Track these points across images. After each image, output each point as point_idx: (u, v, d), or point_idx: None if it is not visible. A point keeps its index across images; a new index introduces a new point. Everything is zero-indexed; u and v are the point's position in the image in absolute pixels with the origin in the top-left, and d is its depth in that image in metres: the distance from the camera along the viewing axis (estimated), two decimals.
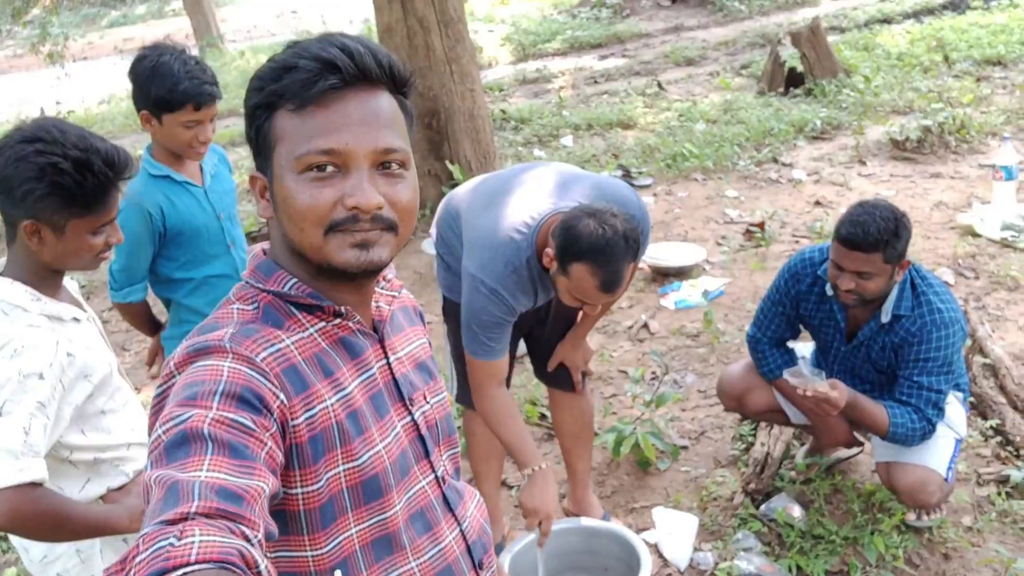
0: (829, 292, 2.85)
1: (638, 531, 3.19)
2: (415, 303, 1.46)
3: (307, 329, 1.21)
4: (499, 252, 2.49)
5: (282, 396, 1.12)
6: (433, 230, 2.90)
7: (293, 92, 1.15)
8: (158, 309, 2.94)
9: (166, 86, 2.45)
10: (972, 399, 3.58)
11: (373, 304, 1.31)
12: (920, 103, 7.58)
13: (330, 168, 1.15)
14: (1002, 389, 3.70)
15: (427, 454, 1.34)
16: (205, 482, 0.96)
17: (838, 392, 2.64)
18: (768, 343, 3.09)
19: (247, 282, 1.25)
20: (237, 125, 10.34)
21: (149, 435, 1.11)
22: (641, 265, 5.12)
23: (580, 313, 2.95)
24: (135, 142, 10.84)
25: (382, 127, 1.19)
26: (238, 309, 1.21)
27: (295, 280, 1.22)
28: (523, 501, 2.55)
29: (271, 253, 1.27)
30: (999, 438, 3.41)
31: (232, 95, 12.75)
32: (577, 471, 3.21)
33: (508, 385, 3.04)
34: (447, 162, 6.12)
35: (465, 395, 2.93)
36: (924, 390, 2.70)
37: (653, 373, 4.06)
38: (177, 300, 2.71)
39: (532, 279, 2.55)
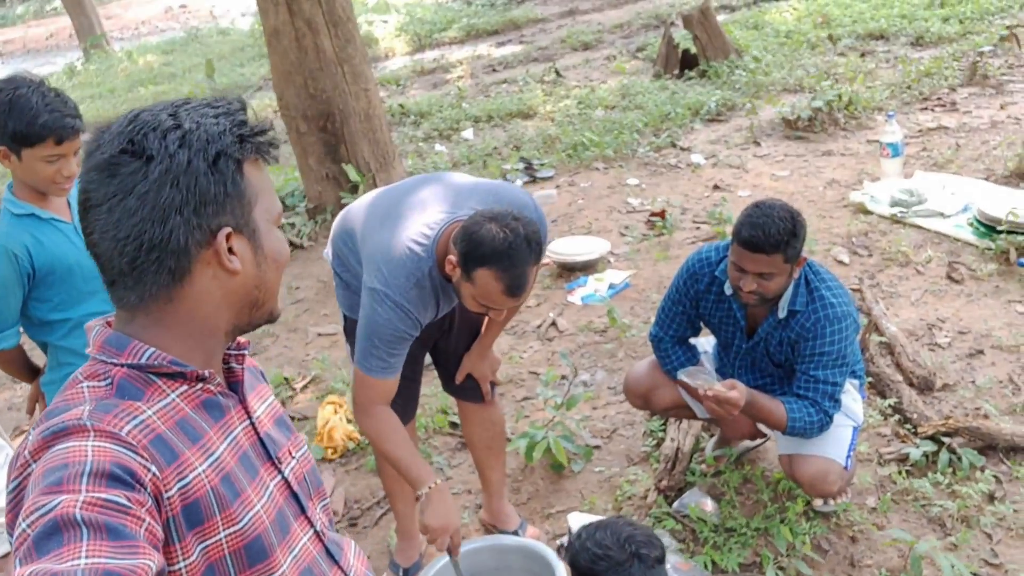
0: (728, 292, 2.89)
1: (555, 536, 3.20)
2: (255, 363, 1.44)
3: (168, 395, 1.18)
4: (399, 265, 2.45)
5: (153, 468, 1.08)
6: (328, 249, 2.84)
7: (266, 147, 1.22)
8: (36, 353, 2.80)
9: (24, 120, 2.33)
10: (870, 379, 3.68)
11: (223, 366, 1.31)
12: (809, 82, 7.75)
13: None
14: (898, 367, 3.81)
15: (303, 510, 1.33)
16: (87, 568, 0.91)
17: (737, 392, 2.67)
18: (670, 341, 3.11)
19: (95, 358, 1.19)
20: None
21: (9, 532, 1.04)
22: (546, 261, 5.13)
23: (485, 322, 2.93)
24: None
25: None
26: (89, 387, 1.15)
27: (152, 349, 1.17)
28: (427, 522, 2.52)
29: (121, 326, 1.20)
30: (897, 416, 3.52)
31: (120, 100, 12.33)
32: (491, 481, 3.19)
33: (417, 398, 3.00)
34: (343, 164, 6.00)
35: None
36: (820, 383, 2.76)
37: (563, 375, 4.07)
38: (54, 343, 2.58)
39: (434, 290, 2.51)
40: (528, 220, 2.37)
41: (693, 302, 3.00)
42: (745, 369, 3.04)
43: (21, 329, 2.60)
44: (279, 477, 1.30)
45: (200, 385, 1.21)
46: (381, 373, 2.53)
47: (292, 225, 6.23)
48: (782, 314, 2.81)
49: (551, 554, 2.59)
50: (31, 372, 2.76)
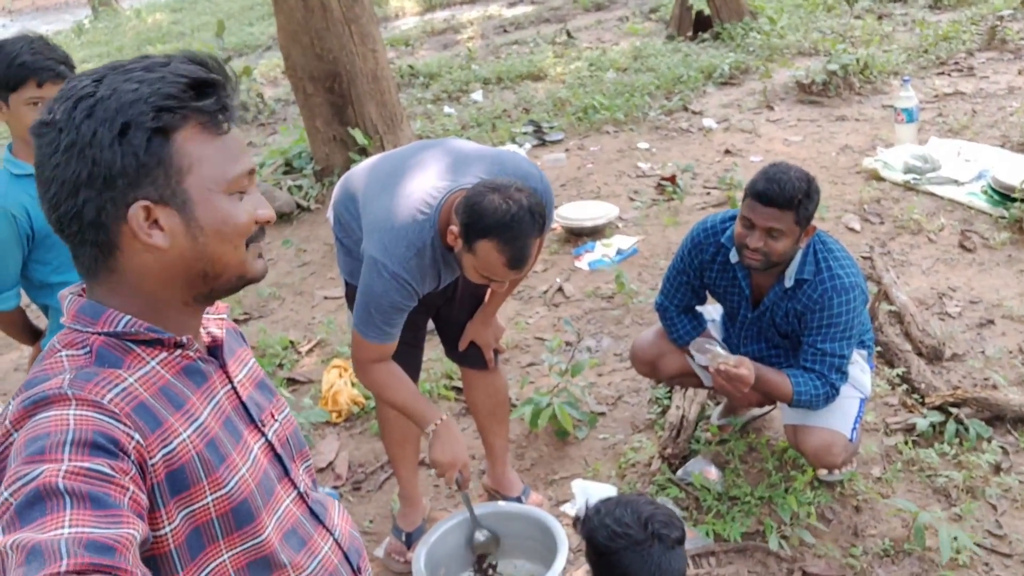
0: (733, 259, 2.85)
1: (558, 503, 3.20)
2: (234, 325, 1.43)
3: (148, 363, 1.16)
4: (401, 234, 2.42)
5: (137, 436, 1.07)
6: (330, 213, 2.81)
7: (213, 111, 1.13)
8: (36, 315, 2.80)
9: (5, 63, 2.35)
10: (879, 348, 3.65)
11: (203, 330, 1.30)
12: (825, 45, 7.63)
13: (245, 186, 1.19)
14: (907, 336, 3.77)
15: (287, 472, 1.33)
16: (71, 538, 0.91)
17: (746, 369, 2.65)
18: (676, 310, 3.08)
19: (71, 328, 1.17)
20: None
21: None
22: (554, 226, 5.09)
23: (489, 290, 2.90)
24: None
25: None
26: (68, 356, 1.13)
27: (128, 317, 1.15)
28: (435, 457, 2.52)
29: (91, 295, 1.19)
30: (905, 386, 3.49)
31: (128, 58, 12.24)
32: (494, 447, 3.19)
33: (419, 364, 2.99)
34: (350, 127, 5.95)
35: None
36: (827, 356, 2.73)
37: (568, 342, 4.04)
38: (55, 306, 2.57)
39: (435, 260, 2.48)
40: (531, 191, 2.34)
41: (698, 272, 2.97)
42: (751, 339, 3.01)
43: (22, 291, 2.59)
44: (262, 440, 1.30)
45: (179, 351, 1.20)
46: (378, 339, 2.52)
47: (299, 187, 6.20)
48: (789, 283, 2.77)
49: (556, 523, 2.58)
50: (32, 335, 2.75)
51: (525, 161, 2.71)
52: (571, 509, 3.14)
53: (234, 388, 1.28)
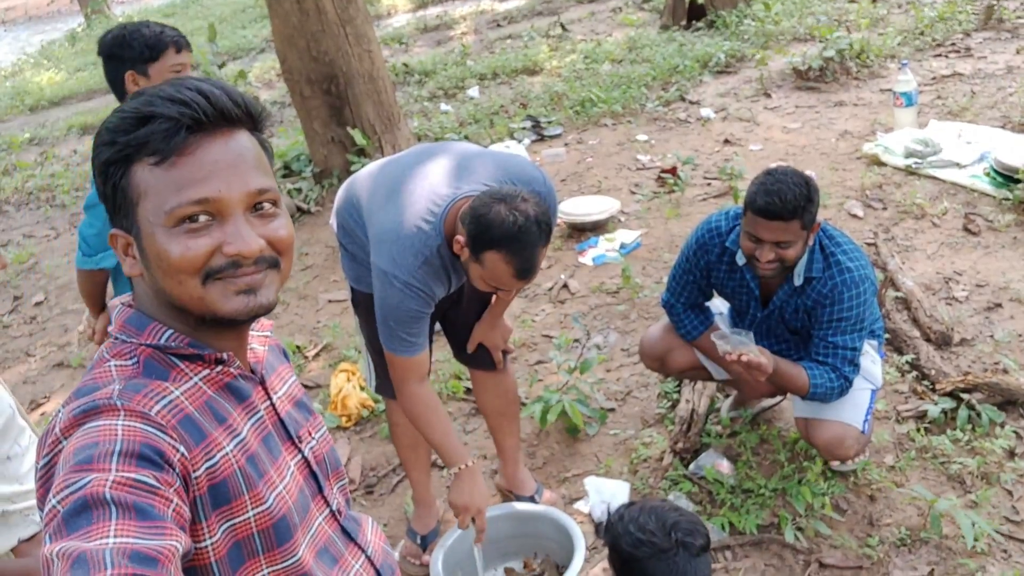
0: (740, 262, 2.83)
1: (571, 501, 3.20)
2: (279, 342, 1.44)
3: (191, 379, 1.18)
4: (407, 245, 2.41)
5: (182, 449, 1.09)
6: (333, 220, 2.79)
7: (155, 145, 1.10)
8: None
9: (150, 37, 2.65)
10: (887, 336, 3.64)
11: (248, 347, 1.30)
12: (820, 30, 7.61)
13: (203, 218, 1.12)
14: (915, 322, 3.77)
15: (320, 490, 1.34)
16: (115, 548, 0.93)
17: (766, 358, 2.63)
18: (683, 307, 3.07)
19: (118, 338, 1.19)
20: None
21: (40, 507, 1.07)
22: (557, 222, 5.07)
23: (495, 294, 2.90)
24: (23, 124, 10.34)
25: (250, 169, 1.17)
26: (116, 366, 1.15)
27: (171, 331, 1.18)
28: (452, 500, 2.52)
29: (139, 305, 1.21)
30: (915, 373, 3.48)
31: None
32: (506, 448, 3.18)
33: (429, 365, 2.98)
34: (348, 128, 5.93)
35: (384, 386, 2.86)
36: (839, 349, 2.72)
37: (576, 338, 4.04)
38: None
39: (444, 267, 2.48)
40: (537, 200, 2.33)
41: (704, 272, 2.96)
42: (761, 336, 2.99)
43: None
44: (299, 456, 1.31)
45: (220, 368, 1.22)
46: (407, 351, 2.51)
47: (299, 190, 6.18)
48: (798, 281, 2.76)
49: (572, 523, 2.58)
50: (101, 305, 2.94)
51: (529, 164, 2.70)
52: (584, 506, 3.14)
53: (273, 405, 1.29)
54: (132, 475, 1.00)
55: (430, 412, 2.58)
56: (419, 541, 3.06)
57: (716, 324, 3.14)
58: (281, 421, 1.30)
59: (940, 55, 6.86)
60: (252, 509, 1.17)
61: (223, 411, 1.19)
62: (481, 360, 3.01)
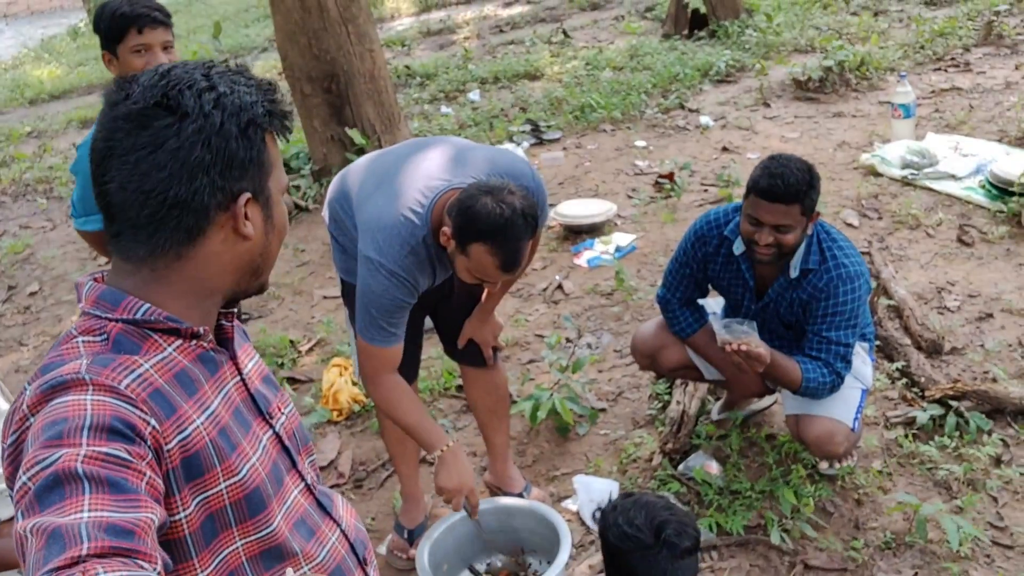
0: (736, 251, 2.85)
1: (560, 499, 3.20)
2: (240, 323, 1.44)
3: (165, 349, 1.18)
4: (394, 233, 2.42)
5: (153, 422, 1.09)
6: (325, 211, 2.80)
7: (281, 121, 1.23)
8: None
9: (107, 18, 2.59)
10: (878, 343, 3.65)
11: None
12: (821, 42, 7.65)
13: None
14: (906, 330, 3.78)
15: (294, 464, 1.35)
16: (90, 522, 0.92)
17: (764, 349, 2.65)
18: (678, 303, 3.09)
19: (89, 313, 1.18)
20: None
21: (8, 485, 1.06)
22: (552, 224, 5.10)
23: (486, 288, 2.91)
24: (22, 117, 10.35)
25: None
26: (84, 342, 1.14)
27: (147, 305, 1.17)
28: (441, 483, 2.52)
29: (112, 280, 1.20)
30: (905, 380, 3.49)
31: None
32: (496, 444, 3.19)
33: (418, 362, 2.99)
34: (348, 127, 5.94)
35: None
36: (833, 344, 2.74)
37: (568, 339, 4.05)
38: None
39: (430, 258, 2.49)
40: (524, 193, 2.35)
41: (701, 264, 2.97)
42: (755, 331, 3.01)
43: None
44: (271, 432, 1.31)
45: (194, 341, 1.22)
46: (383, 342, 2.51)
47: (297, 188, 6.20)
48: (794, 273, 2.78)
49: (559, 518, 2.58)
50: None
51: (518, 159, 2.71)
52: (572, 505, 3.14)
53: (243, 380, 1.30)
54: (104, 449, 1.00)
55: (405, 399, 2.59)
56: (406, 536, 3.06)
57: (711, 323, 3.15)
58: (252, 397, 1.30)
59: (940, 69, 6.90)
60: (224, 481, 1.17)
61: (196, 382, 1.19)
62: (472, 357, 3.02)
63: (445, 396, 3.84)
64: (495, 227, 2.26)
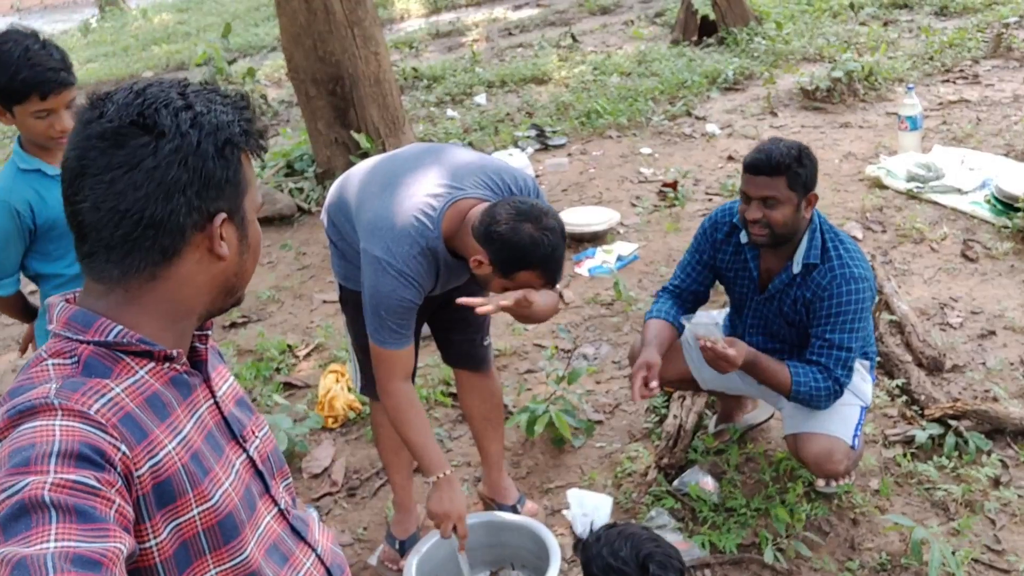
0: (743, 240, 2.87)
1: (553, 512, 3.18)
2: (215, 344, 1.42)
3: (137, 372, 1.16)
4: (403, 234, 2.41)
5: (123, 447, 1.07)
6: (324, 217, 2.79)
7: (260, 145, 1.23)
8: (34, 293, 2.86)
9: (6, 76, 2.28)
10: (879, 359, 3.62)
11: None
12: (830, 51, 7.61)
13: None
14: (908, 346, 3.75)
15: (267, 489, 1.33)
16: (56, 552, 0.91)
17: (735, 350, 2.65)
18: (669, 294, 3.07)
19: (60, 335, 1.16)
20: None
21: None
22: None
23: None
24: None
25: None
26: (55, 365, 1.12)
27: (119, 327, 1.15)
28: (431, 508, 2.51)
29: (83, 302, 1.18)
30: (905, 397, 3.46)
31: (133, 59, 12.29)
32: (490, 454, 3.16)
33: (415, 369, 2.97)
34: (352, 131, 5.93)
35: (370, 387, 2.85)
36: (834, 348, 2.72)
37: (565, 349, 4.02)
38: (48, 292, 2.61)
39: (436, 263, 2.48)
40: (554, 211, 2.39)
41: (712, 252, 2.99)
42: (756, 330, 2.98)
43: (19, 279, 2.63)
44: (244, 456, 1.30)
45: (167, 364, 1.20)
46: (395, 344, 2.50)
47: (300, 190, 6.19)
48: (797, 268, 2.77)
49: (549, 535, 2.56)
50: (29, 314, 2.78)
51: (519, 170, 2.71)
52: (567, 515, 3.11)
53: (216, 403, 1.28)
54: (72, 476, 0.98)
55: (413, 412, 2.57)
56: (398, 546, 3.04)
57: (686, 328, 3.11)
58: (225, 420, 1.28)
59: (948, 81, 6.85)
60: (197, 507, 1.16)
61: (168, 406, 1.17)
62: (468, 360, 3.01)
63: (441, 405, 3.81)
64: (546, 256, 2.32)
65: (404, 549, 3.01)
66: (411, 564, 2.49)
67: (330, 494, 3.41)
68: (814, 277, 2.75)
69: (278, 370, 4.24)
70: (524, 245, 2.28)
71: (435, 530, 2.64)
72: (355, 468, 3.54)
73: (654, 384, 2.73)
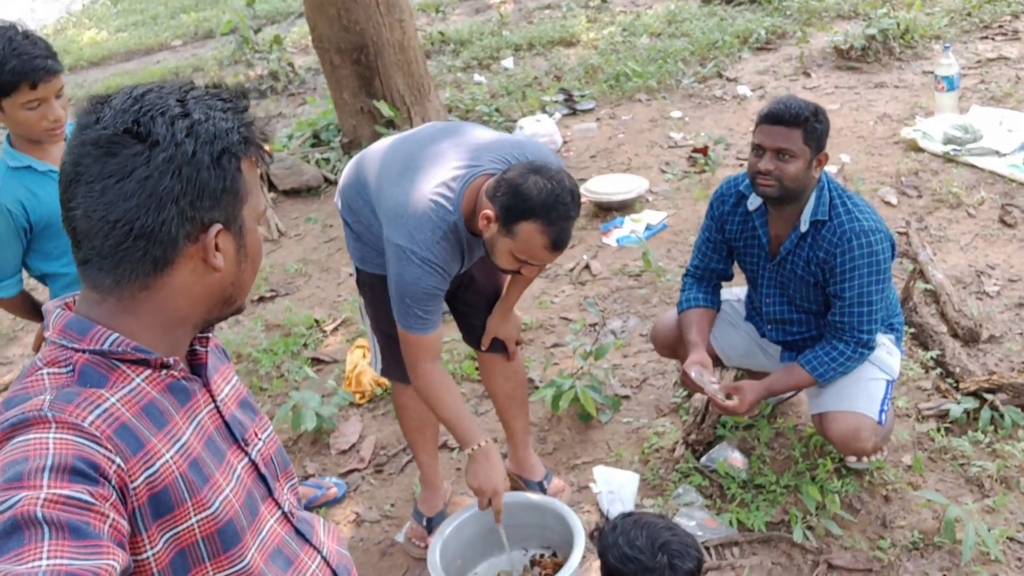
0: (751, 207, 2.84)
1: (580, 489, 3.17)
2: (218, 342, 1.41)
3: (133, 380, 1.15)
4: (425, 220, 2.38)
5: (118, 460, 1.06)
6: (338, 199, 2.76)
7: (263, 151, 1.20)
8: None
9: None
10: (912, 330, 3.55)
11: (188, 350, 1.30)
12: (865, 7, 7.40)
13: None
14: (943, 316, 3.67)
15: (271, 492, 1.32)
16: (49, 570, 0.90)
17: (736, 401, 2.75)
18: (695, 278, 3.06)
19: (56, 343, 1.15)
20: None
21: None
22: (582, 200, 5.00)
23: (507, 281, 2.86)
24: None
25: None
26: (50, 374, 1.11)
27: (115, 335, 1.13)
28: (469, 481, 2.51)
29: (80, 308, 1.17)
30: (939, 370, 3.39)
31: (162, 27, 12.26)
32: (515, 431, 3.15)
33: (441, 344, 2.96)
34: (377, 99, 5.88)
35: (391, 369, 2.85)
36: (855, 305, 2.69)
37: (593, 323, 3.98)
38: (56, 292, 2.59)
39: (459, 243, 2.46)
40: (568, 173, 2.35)
41: (719, 224, 2.95)
42: (774, 300, 2.94)
43: (22, 279, 2.60)
44: (246, 459, 1.29)
45: (164, 371, 1.19)
46: (421, 329, 2.49)
47: (327, 160, 6.16)
48: (804, 227, 2.72)
49: (575, 518, 2.53)
50: (39, 314, 2.74)
51: (542, 146, 2.69)
52: (594, 490, 3.10)
53: (217, 407, 1.27)
54: (65, 492, 0.97)
55: (443, 390, 2.56)
56: (424, 523, 3.05)
57: (723, 311, 3.09)
58: (226, 423, 1.27)
59: (987, 37, 6.64)
60: (195, 515, 1.15)
61: (165, 414, 1.16)
62: (492, 344, 2.98)
63: (468, 380, 3.80)
64: (547, 204, 2.25)
65: (431, 526, 3.02)
66: (435, 547, 2.49)
67: (357, 470, 3.42)
68: (824, 235, 2.71)
69: (305, 345, 4.25)
70: (528, 190, 2.25)
71: (456, 514, 2.65)
72: (382, 444, 3.55)
73: (715, 384, 2.83)
